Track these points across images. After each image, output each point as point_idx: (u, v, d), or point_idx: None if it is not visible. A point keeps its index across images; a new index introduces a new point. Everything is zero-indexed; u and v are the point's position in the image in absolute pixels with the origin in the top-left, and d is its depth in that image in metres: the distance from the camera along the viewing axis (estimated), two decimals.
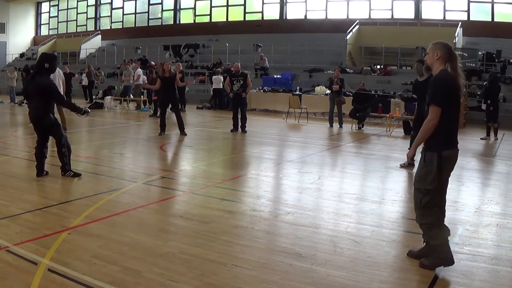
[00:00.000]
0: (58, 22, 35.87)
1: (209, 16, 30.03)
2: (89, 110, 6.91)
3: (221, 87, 19.72)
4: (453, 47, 3.86)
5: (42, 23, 36.93)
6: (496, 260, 4.01)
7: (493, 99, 12.17)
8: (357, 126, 14.02)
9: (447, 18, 23.36)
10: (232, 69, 20.17)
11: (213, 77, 20.24)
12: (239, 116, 12.26)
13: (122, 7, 33.13)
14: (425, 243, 3.93)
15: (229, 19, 29.10)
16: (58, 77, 10.54)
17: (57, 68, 10.68)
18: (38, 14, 36.90)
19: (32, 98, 6.58)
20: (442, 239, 3.80)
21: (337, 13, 26.00)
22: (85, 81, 21.69)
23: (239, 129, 12.24)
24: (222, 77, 20.01)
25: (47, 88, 6.44)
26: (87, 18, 34.45)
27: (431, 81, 3.82)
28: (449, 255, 3.75)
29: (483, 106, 12.51)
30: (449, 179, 4.00)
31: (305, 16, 27.03)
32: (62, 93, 10.41)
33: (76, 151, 9.16)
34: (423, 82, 8.06)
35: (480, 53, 19.98)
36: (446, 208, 3.98)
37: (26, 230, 4.36)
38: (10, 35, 34.71)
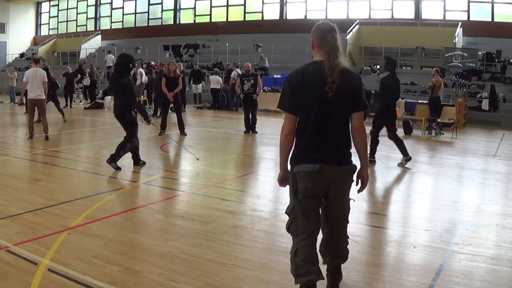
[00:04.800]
0: (58, 22, 35.86)
1: (209, 16, 30.03)
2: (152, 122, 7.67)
3: (219, 87, 19.71)
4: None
5: (42, 23, 36.92)
6: (496, 260, 4.00)
7: None
8: None
9: (447, 18, 23.36)
10: (232, 68, 20.25)
11: (211, 77, 20.20)
12: (250, 117, 12.22)
13: (122, 7, 33.12)
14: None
15: (229, 19, 29.10)
16: (32, 77, 9.74)
17: (34, 68, 9.94)
18: (38, 14, 36.88)
19: (116, 95, 7.40)
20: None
21: (337, 13, 25.96)
22: (86, 81, 21.63)
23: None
24: (220, 77, 19.96)
25: (124, 86, 7.18)
26: (87, 18, 34.44)
27: None
28: None
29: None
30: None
31: (305, 16, 27.01)
32: (43, 95, 9.85)
33: (76, 151, 9.18)
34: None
35: (480, 53, 19.98)
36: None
37: (26, 230, 4.36)
38: (10, 35, 34.70)
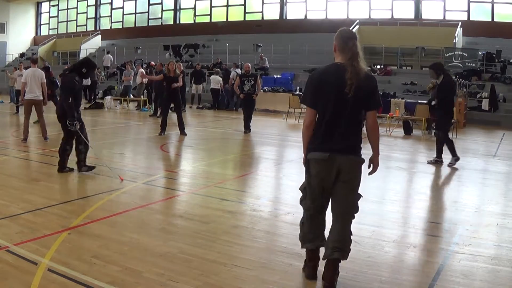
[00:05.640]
0: (58, 22, 35.85)
1: (209, 16, 30.02)
2: (77, 128, 6.81)
3: (219, 87, 19.70)
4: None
5: (42, 23, 36.91)
6: (496, 260, 4.01)
7: None
8: None
9: (447, 18, 23.35)
10: (232, 69, 20.25)
11: (211, 76, 20.18)
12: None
13: (122, 7, 33.11)
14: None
15: (229, 19, 29.10)
16: (31, 77, 9.53)
17: (33, 69, 9.74)
18: (38, 14, 36.88)
19: (60, 95, 7.13)
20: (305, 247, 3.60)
21: (337, 13, 25.96)
22: (86, 81, 21.54)
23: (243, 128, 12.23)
24: (220, 78, 19.94)
25: (64, 84, 6.88)
26: (87, 18, 34.43)
27: None
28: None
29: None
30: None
31: (305, 16, 27.01)
32: (41, 96, 9.70)
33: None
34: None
35: (480, 53, 19.98)
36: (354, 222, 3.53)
37: (26, 230, 4.36)
38: (10, 35, 34.69)
